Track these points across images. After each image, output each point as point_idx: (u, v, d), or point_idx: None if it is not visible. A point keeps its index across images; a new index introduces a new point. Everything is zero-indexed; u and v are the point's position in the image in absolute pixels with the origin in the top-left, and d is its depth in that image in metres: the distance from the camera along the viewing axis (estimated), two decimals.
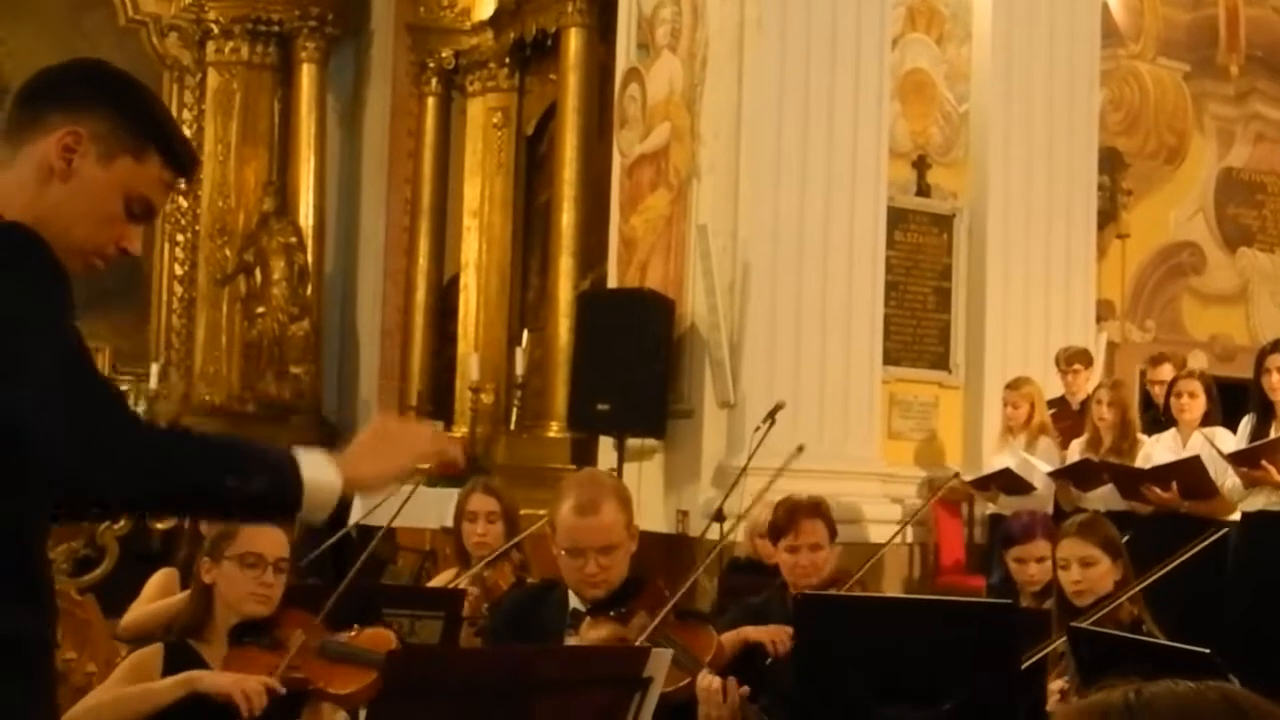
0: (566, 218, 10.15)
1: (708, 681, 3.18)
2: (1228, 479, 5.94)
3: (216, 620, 3.25)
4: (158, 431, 2.08)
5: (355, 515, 10.35)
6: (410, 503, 10.32)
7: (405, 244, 11.73)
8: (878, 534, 7.44)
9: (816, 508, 4.16)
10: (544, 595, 3.52)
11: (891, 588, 7.82)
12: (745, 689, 3.28)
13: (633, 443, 8.22)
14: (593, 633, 3.25)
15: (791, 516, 4.12)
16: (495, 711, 2.55)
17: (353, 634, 3.36)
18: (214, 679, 3.01)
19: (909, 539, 8.18)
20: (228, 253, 11.40)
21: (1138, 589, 3.69)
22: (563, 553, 3.31)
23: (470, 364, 10.87)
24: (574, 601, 3.35)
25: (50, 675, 2.08)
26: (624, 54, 8.96)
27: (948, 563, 8.14)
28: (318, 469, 1.98)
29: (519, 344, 10.48)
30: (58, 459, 1.82)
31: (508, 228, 11.22)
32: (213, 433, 2.20)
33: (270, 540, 3.27)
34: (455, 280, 11.48)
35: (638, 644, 3.17)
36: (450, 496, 9.44)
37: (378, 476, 2.11)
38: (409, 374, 11.53)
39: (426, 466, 2.17)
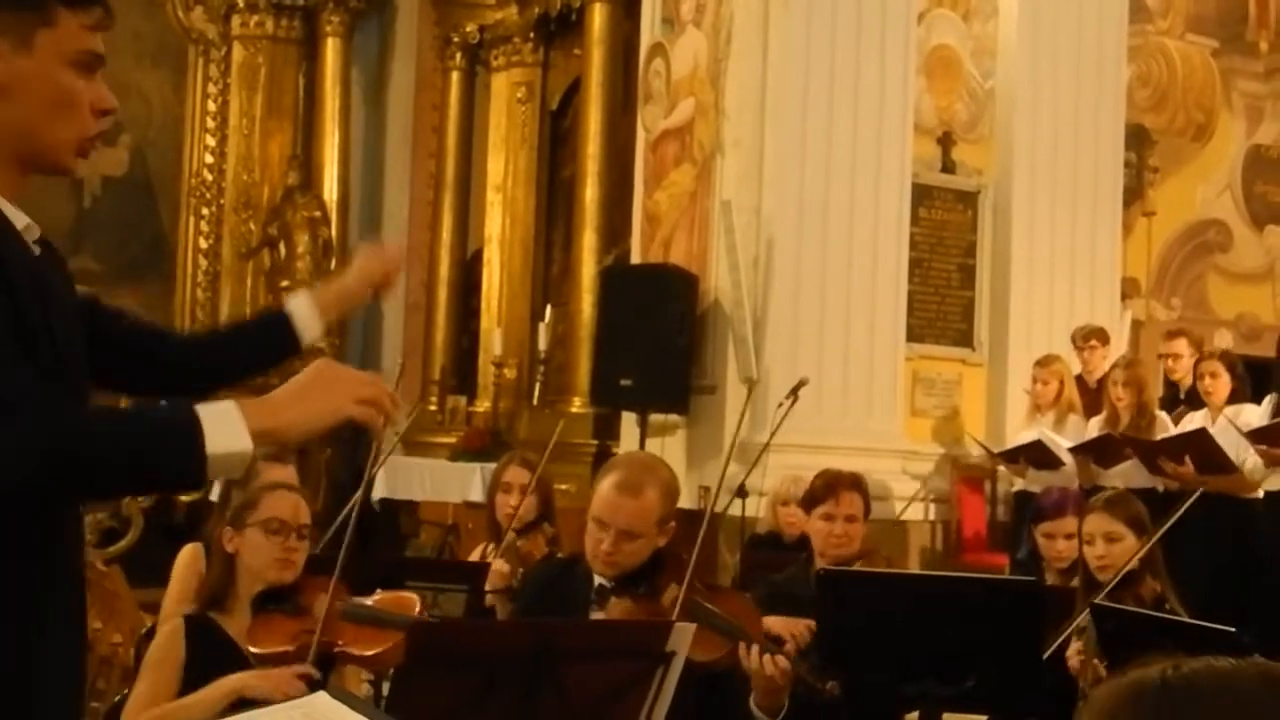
0: (590, 193, 10.13)
1: (749, 657, 3.14)
2: (1250, 457, 5.91)
3: (239, 589, 3.26)
4: (46, 420, 1.87)
5: (379, 490, 10.44)
6: (433, 476, 10.44)
7: (429, 218, 11.74)
8: (902, 511, 7.45)
9: (856, 480, 4.16)
10: (569, 569, 3.52)
11: (914, 564, 7.82)
12: (792, 645, 3.25)
13: (655, 418, 8.22)
14: (618, 612, 3.24)
15: (831, 486, 4.12)
16: (519, 684, 2.56)
17: (376, 598, 3.38)
18: (257, 684, 2.99)
19: (932, 516, 8.18)
20: (252, 226, 11.43)
21: (1135, 559, 3.67)
22: (591, 520, 3.29)
23: (493, 339, 10.89)
24: (600, 577, 3.34)
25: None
26: (648, 29, 8.93)
27: (970, 540, 8.13)
28: (225, 439, 1.83)
29: (542, 319, 10.48)
30: None
31: (531, 203, 11.21)
32: (113, 406, 2.07)
33: (294, 506, 3.29)
34: (479, 255, 11.49)
35: (673, 617, 3.15)
36: (473, 471, 9.56)
37: (299, 420, 1.92)
38: (432, 348, 11.55)
39: (358, 415, 1.94)
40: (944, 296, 8.67)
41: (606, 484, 3.27)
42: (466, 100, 11.62)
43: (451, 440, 10.67)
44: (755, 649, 3.12)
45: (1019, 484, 7.28)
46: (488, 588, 4.25)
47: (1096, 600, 3.50)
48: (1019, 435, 7.36)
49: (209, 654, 3.16)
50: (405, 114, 11.98)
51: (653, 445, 7.99)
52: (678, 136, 8.61)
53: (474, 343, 11.46)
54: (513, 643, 2.62)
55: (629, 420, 8.55)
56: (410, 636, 2.62)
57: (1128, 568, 3.66)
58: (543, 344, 10.30)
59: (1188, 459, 5.99)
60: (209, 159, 11.50)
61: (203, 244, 11.58)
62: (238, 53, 11.53)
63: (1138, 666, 1.11)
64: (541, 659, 2.58)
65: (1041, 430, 7.00)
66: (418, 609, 3.40)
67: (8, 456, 1.77)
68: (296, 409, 1.92)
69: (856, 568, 4.03)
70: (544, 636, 2.62)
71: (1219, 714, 1.05)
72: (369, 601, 3.33)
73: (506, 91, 11.34)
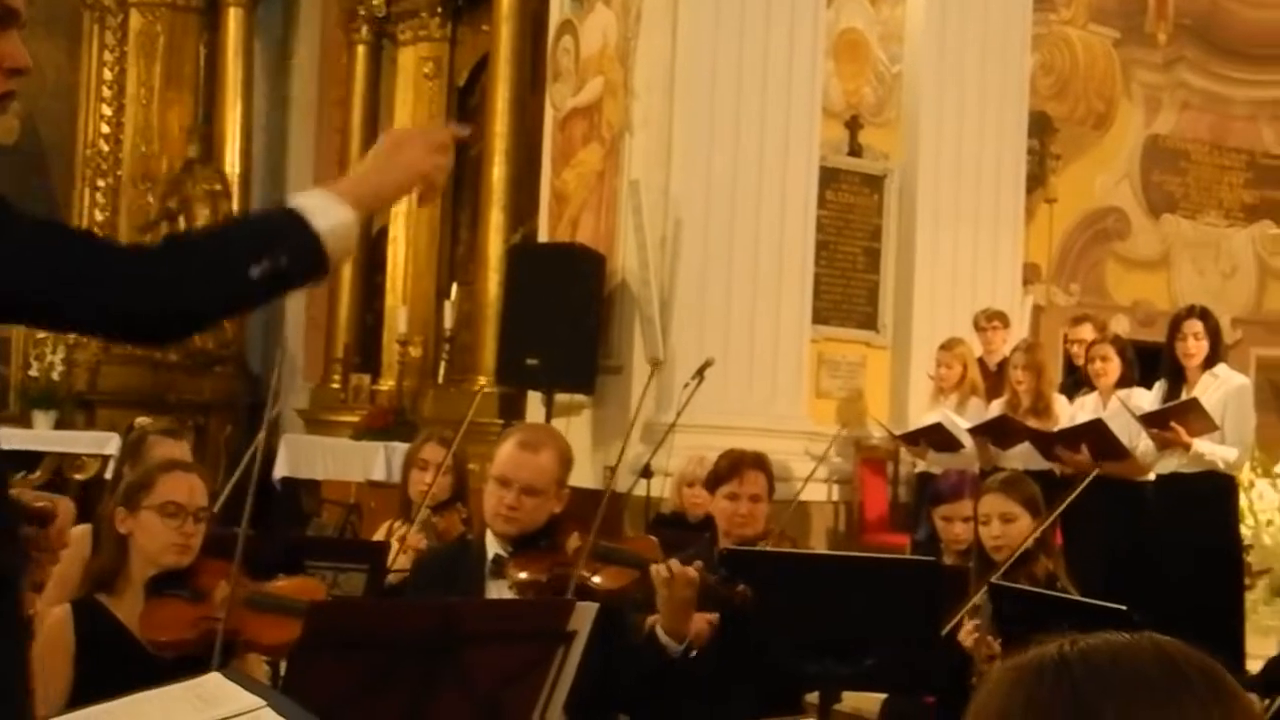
0: (498, 171, 10.07)
1: (657, 569, 3.19)
2: (1142, 441, 6.03)
3: (131, 572, 3.17)
4: (171, 247, 1.98)
5: (280, 469, 10.31)
6: (336, 455, 10.32)
7: None
8: (805, 492, 7.49)
9: (760, 460, 4.18)
10: (460, 551, 3.53)
11: (817, 544, 7.89)
12: (699, 562, 3.30)
13: (561, 398, 8.20)
14: (521, 570, 3.25)
15: (736, 466, 4.13)
16: (419, 665, 2.53)
17: (279, 584, 3.32)
18: None
19: (834, 497, 8.26)
20: (150, 199, 11.20)
21: (1030, 539, 3.73)
22: (492, 481, 3.33)
23: (398, 317, 10.79)
24: (495, 548, 3.34)
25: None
26: (558, 6, 8.88)
27: (872, 520, 8.22)
28: (326, 214, 1.85)
29: (448, 297, 10.40)
30: (122, 307, 1.77)
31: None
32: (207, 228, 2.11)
33: (190, 488, 3.21)
34: (384, 232, 11.36)
35: (578, 564, 3.20)
36: (376, 450, 9.47)
37: (389, 191, 1.97)
38: (336, 326, 11.42)
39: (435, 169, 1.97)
40: (849, 279, 8.75)
41: (507, 445, 3.38)
42: (372, 75, 11.48)
43: (355, 419, 10.55)
44: (663, 565, 3.16)
45: (920, 465, 7.37)
46: (396, 566, 4.21)
47: (992, 579, 3.55)
48: (922, 417, 7.45)
49: (100, 640, 3.07)
50: (310, 87, 11.80)
51: (558, 425, 7.94)
52: (586, 115, 8.57)
53: (378, 321, 11.35)
54: (413, 623, 2.59)
55: (535, 400, 8.52)
56: (308, 617, 2.58)
57: (1023, 548, 3.71)
58: (448, 322, 10.23)
59: (1084, 447, 6.10)
60: (105, 129, 11.24)
61: (99, 216, 11.32)
62: (135, 20, 11.27)
63: (1034, 644, 1.12)
64: (442, 639, 2.55)
65: (944, 412, 7.08)
66: (321, 596, 3.36)
67: (195, 288, 1.80)
68: (379, 179, 1.95)
69: (759, 548, 4.05)
70: (445, 617, 2.59)
71: (1116, 687, 1.06)
72: (271, 588, 3.27)
73: (413, 67, 11.21)
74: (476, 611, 2.82)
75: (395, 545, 4.46)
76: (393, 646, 2.52)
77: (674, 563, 3.20)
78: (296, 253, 1.83)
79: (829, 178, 8.52)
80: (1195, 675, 1.08)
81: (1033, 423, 6.52)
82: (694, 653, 3.30)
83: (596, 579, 3.23)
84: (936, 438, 7.00)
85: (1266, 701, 2.88)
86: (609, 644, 3.08)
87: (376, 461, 9.36)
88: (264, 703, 1.78)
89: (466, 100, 11.13)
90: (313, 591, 3.30)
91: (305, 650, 2.60)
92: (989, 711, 1.10)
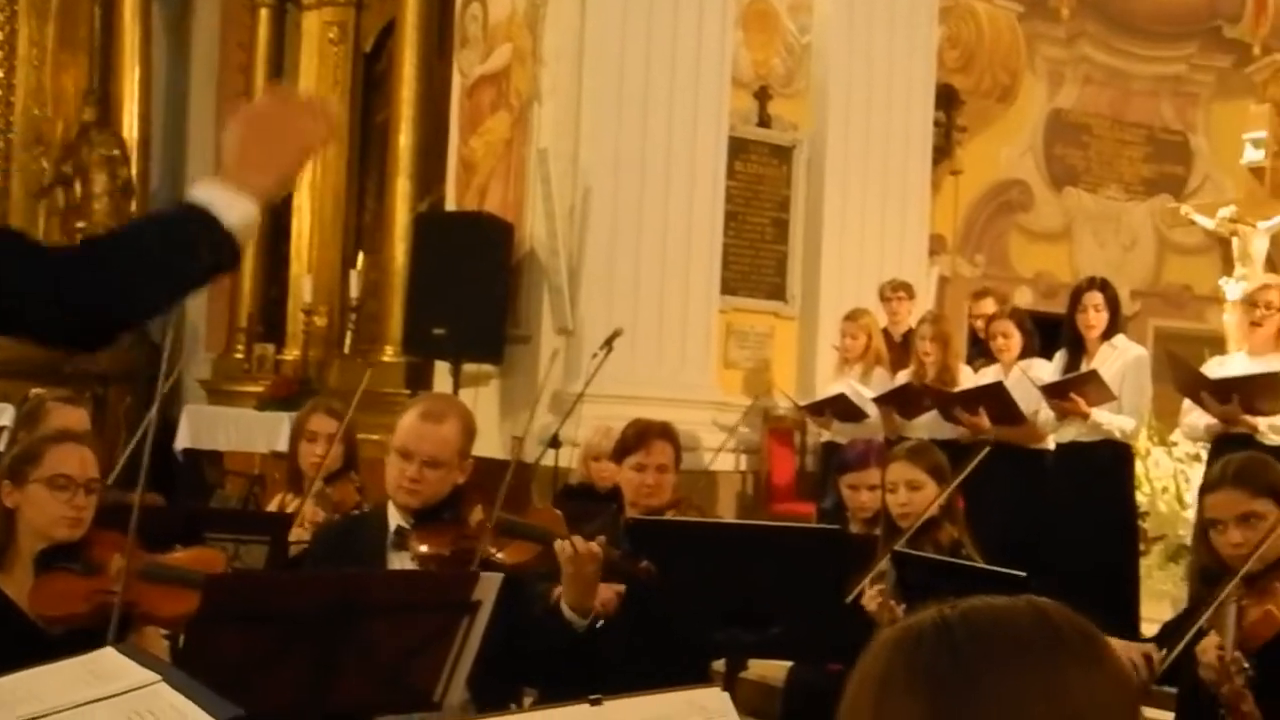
0: (404, 138, 9.94)
1: (561, 545, 3.17)
2: (1042, 410, 6.13)
3: (20, 547, 3.07)
4: (106, 251, 1.94)
5: (182, 440, 10.13)
6: (239, 426, 10.15)
7: None
8: (712, 462, 7.52)
9: (667, 430, 4.16)
10: (360, 522, 3.48)
11: (725, 513, 7.92)
12: (602, 537, 3.27)
13: (469, 368, 8.15)
14: (424, 543, 3.21)
15: (642, 436, 4.11)
16: (319, 638, 2.50)
17: (176, 555, 3.25)
18: None
19: (742, 466, 8.30)
20: (44, 164, 10.89)
21: (935, 506, 3.78)
22: (394, 453, 3.28)
23: (303, 286, 10.63)
24: (397, 519, 3.29)
25: None
26: None
27: (779, 489, 8.28)
28: (233, 208, 1.87)
29: (354, 266, 10.28)
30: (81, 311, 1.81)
31: (343, 147, 10.91)
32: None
33: (81, 460, 3.12)
34: (288, 200, 11.15)
35: (485, 537, 3.16)
36: (281, 420, 9.33)
37: (286, 174, 1.98)
38: (239, 295, 11.22)
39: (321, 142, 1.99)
40: (758, 250, 8.77)
41: (409, 416, 3.32)
42: (276, 39, 11.25)
43: (259, 389, 10.40)
44: (567, 542, 3.14)
45: (826, 435, 7.42)
46: (293, 539, 4.15)
47: (897, 547, 3.58)
48: (828, 387, 7.49)
49: None
50: (211, 51, 11.55)
51: (466, 395, 7.90)
52: (494, 83, 8.49)
53: (283, 290, 11.16)
54: (313, 596, 2.55)
55: (442, 370, 8.45)
56: (204, 590, 2.53)
57: (927, 514, 3.75)
58: (354, 292, 10.11)
59: (982, 410, 6.18)
60: None
61: None
62: None
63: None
64: (343, 612, 2.52)
65: (848, 383, 7.14)
66: (222, 567, 3.29)
67: (135, 285, 1.83)
68: (275, 167, 1.94)
69: (664, 518, 4.05)
70: (345, 589, 2.56)
71: (997, 648, 1.08)
72: (169, 559, 3.20)
73: (318, 31, 11.01)
74: (378, 583, 2.78)
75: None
76: (292, 619, 2.49)
77: (578, 539, 3.17)
78: (215, 250, 1.86)
79: (738, 148, 8.53)
80: (1072, 636, 1.10)
81: (933, 386, 6.59)
82: (600, 624, 3.28)
83: (500, 554, 3.20)
84: (841, 408, 7.05)
85: (1165, 652, 2.94)
86: (514, 616, 3.06)
87: (281, 432, 9.20)
88: (159, 677, 1.74)
89: (373, 66, 10.96)
90: (211, 563, 3.24)
91: (202, 623, 2.55)
92: (871, 677, 1.11)
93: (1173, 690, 3.22)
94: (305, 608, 2.51)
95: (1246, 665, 2.70)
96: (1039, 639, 1.09)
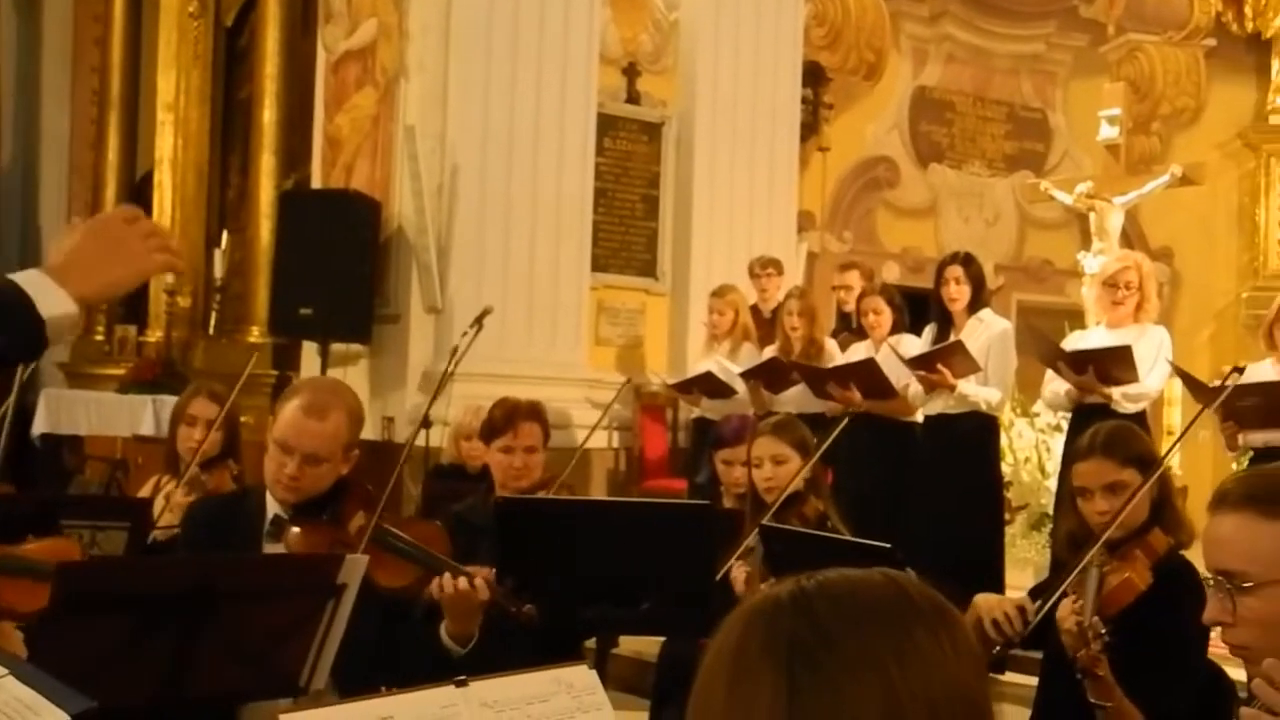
0: (268, 114, 9.74)
1: (438, 585, 3.08)
2: (911, 383, 6.23)
3: None
4: None
5: (40, 425, 9.82)
6: (100, 410, 9.87)
7: (92, 138, 11.01)
8: (585, 440, 7.52)
9: (534, 410, 4.13)
10: (238, 502, 3.37)
11: (598, 491, 7.95)
12: (489, 571, 3.18)
13: (337, 348, 8.03)
14: (300, 542, 3.12)
15: (510, 417, 4.07)
16: (177, 625, 2.44)
17: (29, 546, 3.15)
18: None
19: (615, 444, 8.32)
20: None
21: (799, 479, 3.82)
22: (273, 444, 3.16)
23: None
24: (275, 507, 3.20)
25: None
26: None
27: (653, 467, 8.32)
28: (53, 303, 1.87)
29: (218, 245, 10.04)
30: None
31: (205, 123, 10.66)
32: None
33: None
34: (149, 177, 10.87)
35: (361, 545, 3.07)
36: (144, 403, 9.11)
37: (113, 290, 2.00)
38: None
39: (159, 268, 2.02)
40: (628, 227, 8.79)
41: (291, 407, 3.16)
42: (132, 12, 10.91)
43: (120, 372, 10.12)
44: (448, 575, 3.07)
45: (696, 411, 7.46)
46: (163, 524, 4.05)
47: (763, 521, 3.61)
48: (697, 364, 7.53)
49: None
50: (64, 25, 11.18)
51: (334, 375, 7.78)
52: (360, 58, 8.35)
53: None
54: (170, 582, 2.49)
55: (310, 350, 8.32)
56: (55, 580, 2.45)
57: (792, 488, 3.79)
58: (219, 271, 9.89)
59: (854, 385, 6.27)
60: None
61: None
62: None
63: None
64: (202, 598, 2.46)
65: (715, 359, 7.18)
66: (76, 556, 3.19)
67: None
68: (103, 277, 1.95)
69: (533, 496, 4.03)
70: (204, 574, 2.50)
71: (853, 616, 1.10)
72: (20, 550, 3.09)
73: (177, 5, 10.69)
74: (241, 567, 2.72)
75: (162, 502, 4.30)
76: (151, 605, 2.42)
77: (461, 581, 3.08)
78: (16, 336, 1.86)
79: (607, 125, 8.52)
80: (924, 603, 1.13)
81: (802, 362, 6.66)
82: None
83: (378, 574, 3.06)
84: (709, 385, 7.09)
85: (1039, 603, 3.01)
86: (389, 622, 3.00)
87: (144, 415, 9.01)
88: (5, 672, 1.69)
89: (235, 41, 10.70)
90: (65, 553, 3.14)
91: (54, 614, 2.47)
92: (728, 648, 1.12)
93: (1038, 655, 3.30)
94: (164, 593, 2.45)
95: (1103, 631, 2.77)
96: (892, 605, 1.12)
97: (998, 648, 2.99)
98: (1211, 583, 1.87)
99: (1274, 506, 1.82)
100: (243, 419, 5.60)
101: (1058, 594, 2.96)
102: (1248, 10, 11.39)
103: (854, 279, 7.49)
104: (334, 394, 3.30)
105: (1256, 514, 1.83)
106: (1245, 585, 1.81)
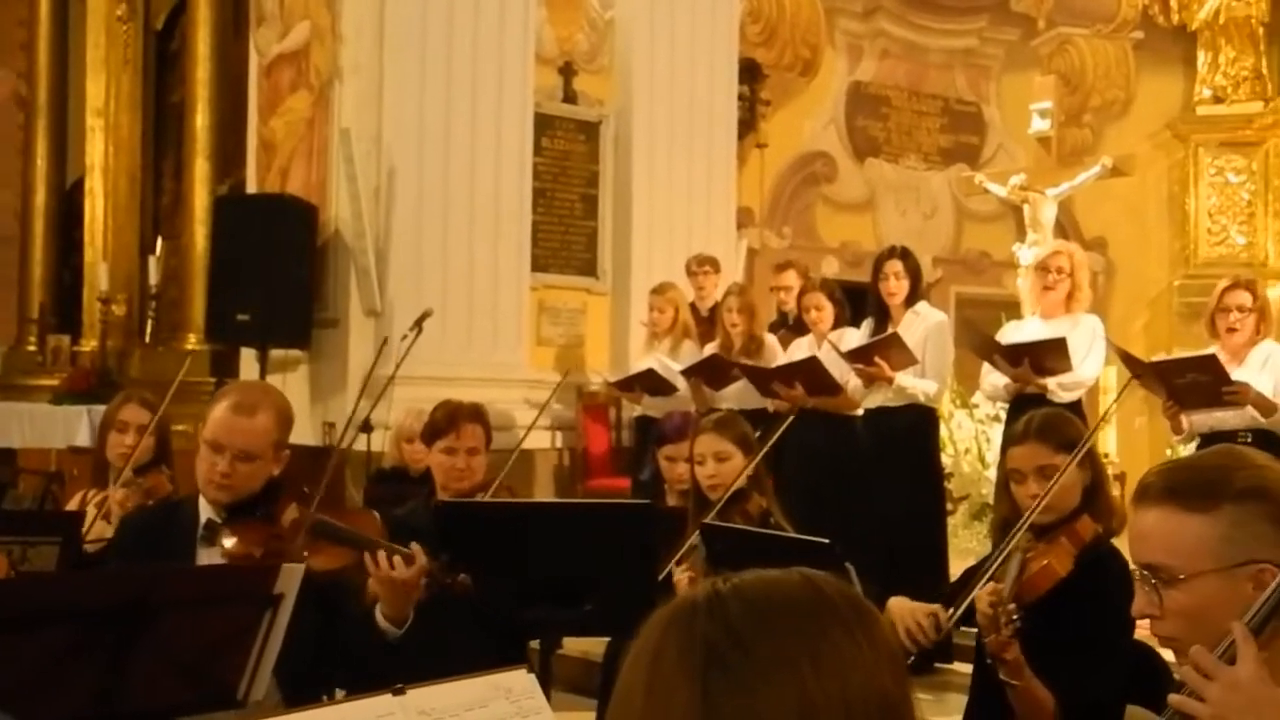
0: (201, 119, 9.64)
1: (371, 564, 3.05)
2: (852, 378, 6.26)
3: None
4: None
5: None
6: (34, 421, 9.71)
7: (20, 144, 10.84)
8: (527, 440, 7.50)
9: (476, 412, 4.11)
10: (171, 512, 3.34)
11: (542, 492, 7.93)
12: (418, 547, 3.16)
13: (276, 354, 7.97)
14: (233, 540, 3.10)
15: (452, 419, 4.04)
16: (110, 640, 2.40)
17: None
18: None
19: (558, 444, 8.30)
20: None
21: (743, 478, 3.82)
22: (204, 445, 3.16)
23: (99, 273, 10.21)
24: (208, 512, 3.18)
25: None
26: None
27: (596, 467, 8.31)
28: None
29: (152, 252, 9.93)
30: None
31: (137, 129, 10.53)
32: None
33: None
34: (80, 184, 10.72)
35: (298, 539, 3.07)
36: (79, 414, 8.98)
37: None
38: (29, 284, 10.71)
39: None
40: (568, 226, 8.77)
41: (220, 407, 3.19)
42: (59, 16, 10.74)
43: (54, 382, 9.97)
44: (383, 554, 3.06)
45: (639, 409, 7.46)
46: (94, 535, 3.99)
47: (706, 519, 3.61)
48: (638, 363, 7.53)
49: None
50: None
51: (274, 381, 7.71)
52: (293, 61, 8.29)
53: (77, 278, 10.71)
54: (101, 596, 2.45)
55: (248, 356, 8.25)
56: None
57: (735, 485, 3.79)
58: (154, 278, 9.77)
59: (798, 383, 6.29)
60: None
61: None
62: None
63: None
64: (137, 610, 2.42)
65: (656, 357, 7.18)
66: (3, 573, 3.15)
67: None
68: None
69: (476, 499, 4.01)
70: (137, 588, 2.46)
71: (769, 618, 1.10)
72: None
73: (105, 8, 10.55)
74: (175, 579, 2.68)
75: (92, 512, 4.23)
76: (81, 622, 2.38)
77: (397, 559, 3.06)
78: None
79: (544, 125, 8.50)
80: (841, 604, 1.13)
81: (746, 363, 6.67)
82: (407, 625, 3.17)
83: (313, 559, 3.07)
84: (650, 382, 7.09)
85: (951, 610, 3.03)
86: (326, 615, 2.98)
87: (79, 426, 8.88)
88: None
89: (165, 45, 10.59)
90: None
91: None
92: (645, 651, 1.12)
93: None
94: (96, 608, 2.41)
95: (1015, 618, 2.78)
96: (808, 606, 1.12)
97: (912, 657, 2.99)
98: (1138, 577, 1.89)
99: (1194, 499, 1.82)
100: (180, 427, 5.53)
101: (979, 585, 2.97)
102: (1173, 3, 11.54)
103: (791, 279, 7.52)
104: (263, 393, 3.35)
105: (1177, 507, 1.83)
106: (1169, 579, 1.82)
